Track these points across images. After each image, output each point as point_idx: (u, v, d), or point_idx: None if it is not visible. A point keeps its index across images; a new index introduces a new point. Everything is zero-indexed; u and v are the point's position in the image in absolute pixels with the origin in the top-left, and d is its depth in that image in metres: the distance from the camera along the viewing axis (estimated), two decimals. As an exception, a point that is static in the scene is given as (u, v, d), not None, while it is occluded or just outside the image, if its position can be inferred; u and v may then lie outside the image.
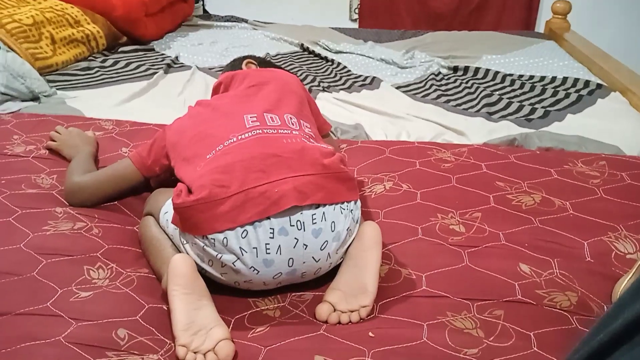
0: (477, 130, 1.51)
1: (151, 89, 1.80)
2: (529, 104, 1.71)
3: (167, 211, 0.93)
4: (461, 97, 1.80)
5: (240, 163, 0.85)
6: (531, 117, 1.62)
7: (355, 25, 3.17)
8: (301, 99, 1.10)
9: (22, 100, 1.61)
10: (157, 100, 1.71)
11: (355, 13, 3.26)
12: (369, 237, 0.88)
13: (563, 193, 1.15)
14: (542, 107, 1.68)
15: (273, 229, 0.81)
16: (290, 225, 0.82)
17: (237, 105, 1.03)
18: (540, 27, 2.94)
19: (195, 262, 0.84)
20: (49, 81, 1.74)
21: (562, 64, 2.07)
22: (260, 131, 0.92)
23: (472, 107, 1.71)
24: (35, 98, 1.64)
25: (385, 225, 1.04)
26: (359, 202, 0.93)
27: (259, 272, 0.83)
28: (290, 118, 0.99)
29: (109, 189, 1.10)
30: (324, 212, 0.84)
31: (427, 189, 1.18)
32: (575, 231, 1.03)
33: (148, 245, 0.95)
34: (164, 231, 0.95)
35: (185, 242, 0.87)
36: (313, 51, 2.26)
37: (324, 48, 2.33)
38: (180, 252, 0.89)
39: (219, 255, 0.82)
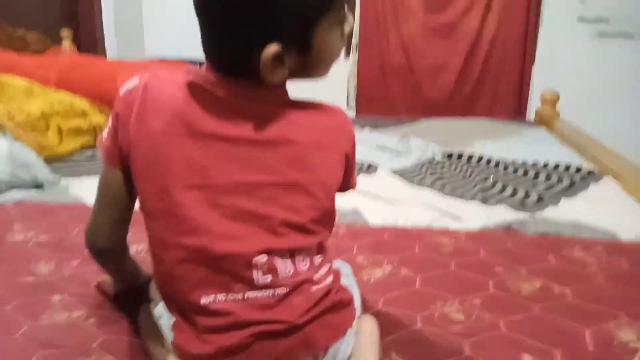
0: (473, 215, 1.53)
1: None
2: (523, 189, 1.74)
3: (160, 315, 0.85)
4: (457, 182, 1.84)
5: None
6: (526, 201, 1.65)
7: (352, 114, 3.29)
8: (330, 178, 0.83)
9: (26, 188, 1.65)
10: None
11: (352, 101, 3.39)
12: (367, 334, 0.87)
13: (562, 279, 1.15)
14: (537, 192, 1.71)
15: None
16: None
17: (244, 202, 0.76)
18: (530, 115, 3.05)
19: None
20: (53, 168, 1.79)
21: (554, 150, 2.13)
22: (272, 293, 0.78)
23: (467, 191, 1.74)
24: (39, 186, 1.67)
25: (384, 314, 1.03)
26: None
27: None
28: (303, 259, 0.81)
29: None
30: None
31: (427, 274, 1.18)
32: (576, 319, 1.01)
33: (146, 336, 0.92)
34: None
35: None
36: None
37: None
38: None
39: None
